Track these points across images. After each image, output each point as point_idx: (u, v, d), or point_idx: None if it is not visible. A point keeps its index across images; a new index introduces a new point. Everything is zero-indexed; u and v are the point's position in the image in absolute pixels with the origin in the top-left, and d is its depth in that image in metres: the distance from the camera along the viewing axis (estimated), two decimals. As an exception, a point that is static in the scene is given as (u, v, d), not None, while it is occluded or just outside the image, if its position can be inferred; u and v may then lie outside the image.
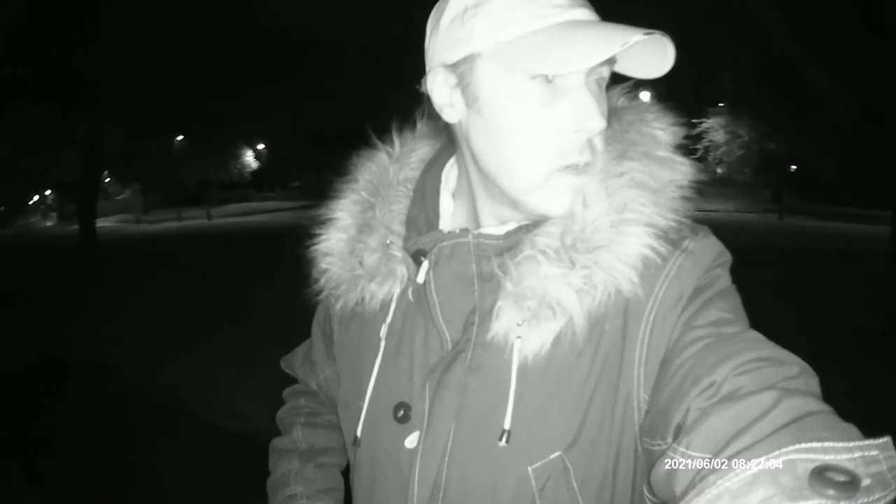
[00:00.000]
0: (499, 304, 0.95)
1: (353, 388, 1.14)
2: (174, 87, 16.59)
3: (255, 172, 42.22)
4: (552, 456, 0.94)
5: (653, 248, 0.92)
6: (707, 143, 33.15)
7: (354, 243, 1.13)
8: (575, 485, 0.94)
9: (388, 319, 1.10)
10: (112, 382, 7.87)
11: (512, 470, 0.95)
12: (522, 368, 0.95)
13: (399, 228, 1.11)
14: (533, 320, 0.93)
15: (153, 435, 6.05)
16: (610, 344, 0.94)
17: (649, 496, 0.94)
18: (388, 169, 1.17)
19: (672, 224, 0.95)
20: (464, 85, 0.98)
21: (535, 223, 0.99)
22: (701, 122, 32.86)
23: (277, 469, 1.39)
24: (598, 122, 0.91)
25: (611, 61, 0.93)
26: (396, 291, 1.10)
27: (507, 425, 0.94)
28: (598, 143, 0.96)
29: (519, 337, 0.94)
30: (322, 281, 1.17)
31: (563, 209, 0.96)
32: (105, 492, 5.00)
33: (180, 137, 31.60)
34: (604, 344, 0.94)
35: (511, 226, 1.02)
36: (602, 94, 0.96)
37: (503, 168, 0.98)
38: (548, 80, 0.91)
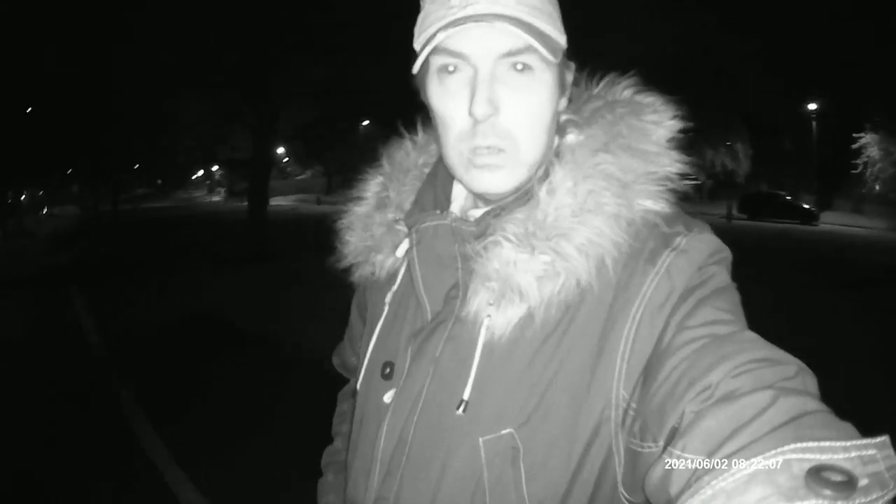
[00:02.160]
0: (472, 283, 0.98)
1: (364, 347, 1.19)
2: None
3: None
4: (503, 432, 0.94)
5: (612, 241, 0.92)
6: (865, 160, 31.53)
7: (367, 218, 1.21)
8: (522, 465, 0.93)
9: (394, 287, 1.16)
10: (260, 348, 8.50)
11: (465, 438, 0.96)
12: (489, 345, 0.96)
13: (409, 207, 1.17)
14: (501, 301, 0.94)
15: (288, 395, 6.50)
16: (583, 335, 0.93)
17: (627, 497, 0.92)
18: (409, 155, 1.24)
19: (644, 216, 0.95)
20: (419, 83, 1.04)
21: (500, 208, 1.02)
22: (860, 138, 31.30)
23: (320, 481, 1.47)
24: (477, 108, 0.92)
25: (528, 49, 0.93)
26: (404, 262, 1.15)
27: (465, 396, 0.96)
28: (511, 127, 0.95)
29: (488, 315, 0.96)
30: (344, 251, 1.24)
31: (484, 187, 0.99)
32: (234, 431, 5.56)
33: (366, 122, 32.47)
34: (573, 333, 0.93)
35: (480, 211, 1.06)
36: (524, 77, 0.95)
37: (444, 156, 1.03)
38: (449, 71, 0.96)
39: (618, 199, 0.94)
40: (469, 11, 0.91)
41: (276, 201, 43.51)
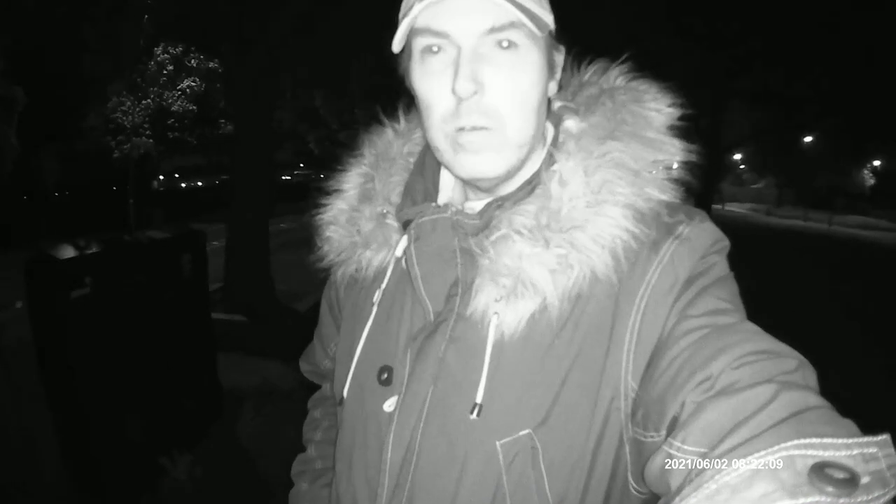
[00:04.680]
0: (477, 280, 0.92)
1: (346, 350, 1.11)
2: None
3: (873, 188, 38.43)
4: (521, 433, 0.88)
5: (628, 230, 0.87)
6: None
7: (353, 212, 1.12)
8: (542, 464, 0.88)
9: (383, 286, 1.07)
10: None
11: (481, 443, 0.90)
12: (498, 344, 0.91)
13: (397, 199, 1.09)
14: (510, 297, 0.89)
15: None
16: (593, 327, 0.88)
17: (636, 487, 0.89)
18: (392, 144, 1.15)
19: (653, 206, 0.90)
20: (404, 69, 0.98)
21: (504, 198, 0.96)
22: None
23: (292, 491, 1.37)
24: (460, 85, 0.86)
25: (513, 25, 0.88)
26: (392, 259, 1.08)
27: (479, 399, 0.90)
28: (497, 105, 0.89)
29: (496, 313, 0.90)
30: (325, 248, 1.15)
31: (471, 171, 0.93)
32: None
33: (809, 138, 30.40)
34: (584, 325, 0.89)
35: (482, 203, 1.00)
36: (510, 54, 0.89)
37: (430, 141, 0.97)
38: (432, 52, 0.90)
39: (632, 188, 0.89)
40: None
41: (731, 207, 42.07)
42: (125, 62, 19.15)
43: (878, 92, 15.98)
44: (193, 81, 21.70)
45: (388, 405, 0.98)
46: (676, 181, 0.93)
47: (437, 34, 0.89)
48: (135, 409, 3.84)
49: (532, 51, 0.90)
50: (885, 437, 0.57)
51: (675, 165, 0.94)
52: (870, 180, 37.61)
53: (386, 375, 1.01)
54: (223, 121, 22.34)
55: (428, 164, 1.10)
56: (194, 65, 21.38)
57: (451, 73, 0.88)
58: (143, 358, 3.90)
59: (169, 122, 21.82)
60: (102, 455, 3.62)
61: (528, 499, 0.89)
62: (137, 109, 20.90)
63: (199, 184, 33.31)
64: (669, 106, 0.97)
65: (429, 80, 0.92)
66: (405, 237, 1.02)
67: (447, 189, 1.09)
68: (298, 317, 8.51)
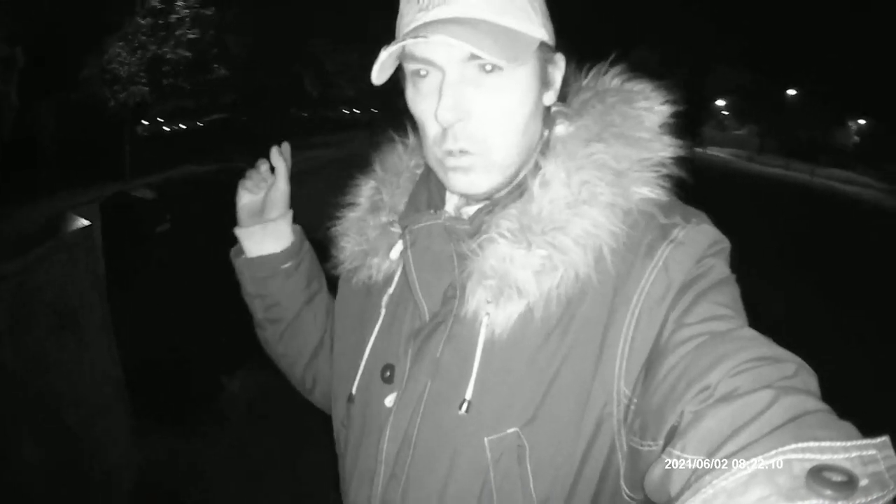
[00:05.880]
0: (469, 282, 0.94)
1: (355, 350, 1.14)
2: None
3: (856, 145, 38.25)
4: (509, 431, 0.90)
5: (610, 231, 0.88)
6: None
7: (361, 222, 1.17)
8: (528, 463, 0.90)
9: (391, 290, 1.11)
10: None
11: (470, 439, 0.93)
12: (489, 343, 0.93)
13: (403, 209, 1.12)
14: (500, 299, 0.91)
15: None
16: (585, 329, 0.89)
17: (629, 494, 0.91)
18: (401, 158, 1.19)
19: (641, 205, 0.91)
20: (403, 89, 1.01)
21: (492, 204, 0.99)
22: None
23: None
24: (441, 114, 0.89)
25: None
26: (399, 264, 1.11)
27: (468, 395, 0.92)
28: (482, 131, 0.92)
29: (487, 314, 0.92)
30: (340, 257, 1.20)
31: (461, 189, 0.97)
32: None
33: (792, 92, 30.68)
34: (575, 327, 0.90)
35: (474, 208, 1.03)
36: (494, 78, 0.90)
37: (425, 158, 1.02)
38: (421, 76, 0.93)
39: (613, 189, 0.90)
40: (432, 16, 0.89)
41: (714, 151, 42.00)
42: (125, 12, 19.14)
43: (859, 58, 16.21)
44: (189, 29, 21.74)
45: (389, 401, 1.02)
46: (666, 178, 0.93)
47: (423, 61, 0.91)
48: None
49: (518, 71, 0.91)
50: (883, 440, 0.56)
51: (665, 162, 0.94)
52: (854, 138, 37.80)
53: (388, 373, 1.04)
54: (216, 65, 22.47)
55: (433, 175, 1.09)
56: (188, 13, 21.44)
57: (436, 98, 0.90)
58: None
59: (164, 69, 21.84)
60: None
61: (513, 495, 0.91)
62: (133, 59, 20.88)
63: (183, 126, 32.94)
64: (662, 104, 0.98)
65: (419, 104, 0.95)
66: (400, 242, 1.08)
67: (454, 198, 1.09)
68: (318, 245, 9.02)
